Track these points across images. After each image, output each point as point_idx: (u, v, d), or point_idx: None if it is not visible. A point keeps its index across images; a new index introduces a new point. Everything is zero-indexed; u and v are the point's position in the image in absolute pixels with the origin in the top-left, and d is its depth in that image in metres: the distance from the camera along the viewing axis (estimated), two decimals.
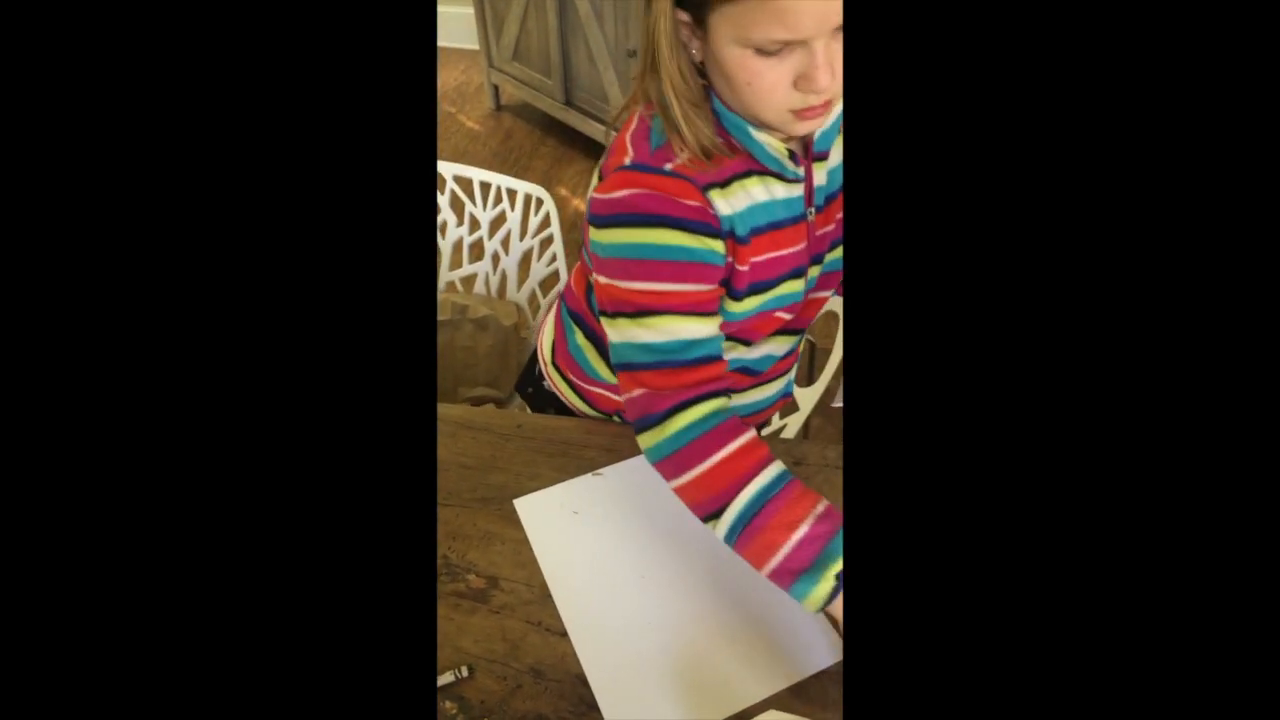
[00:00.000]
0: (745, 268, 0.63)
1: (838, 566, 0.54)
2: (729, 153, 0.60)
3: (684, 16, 0.54)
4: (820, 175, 0.66)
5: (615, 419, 0.81)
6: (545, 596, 0.61)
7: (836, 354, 1.30)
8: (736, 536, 0.56)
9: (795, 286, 0.68)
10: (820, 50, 0.51)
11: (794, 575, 0.54)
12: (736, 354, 0.72)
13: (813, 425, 1.76)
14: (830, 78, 0.53)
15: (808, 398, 1.31)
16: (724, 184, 0.60)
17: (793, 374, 0.86)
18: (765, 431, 1.02)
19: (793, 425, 1.25)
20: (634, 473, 0.71)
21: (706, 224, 0.60)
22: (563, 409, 0.84)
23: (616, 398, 0.81)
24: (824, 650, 0.58)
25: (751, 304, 0.66)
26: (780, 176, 0.62)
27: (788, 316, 0.70)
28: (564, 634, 0.59)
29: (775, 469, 0.58)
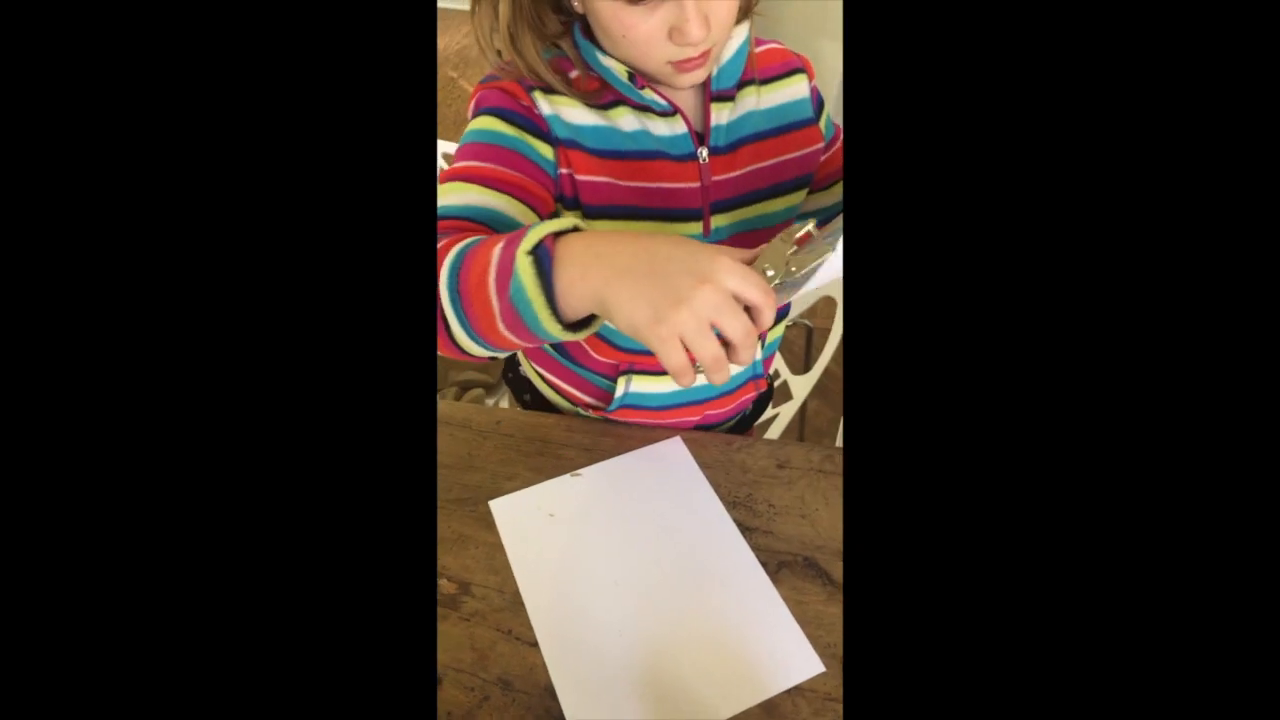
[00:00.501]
0: (590, 179, 0.62)
1: (535, 235, 0.45)
2: (572, 89, 0.60)
3: None
4: (721, 114, 0.64)
5: (584, 414, 0.80)
6: (517, 603, 0.60)
7: (835, 335, 1.27)
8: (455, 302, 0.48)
9: (681, 228, 0.65)
10: (690, 1, 0.51)
11: (505, 288, 0.45)
12: None
13: (809, 409, 1.74)
14: (703, 28, 0.53)
15: (803, 385, 1.29)
16: (549, 90, 0.61)
17: (756, 354, 0.82)
18: (758, 421, 0.99)
19: (785, 414, 1.24)
20: (613, 475, 0.69)
21: (531, 121, 0.61)
22: (537, 397, 0.83)
23: (577, 392, 0.79)
24: (798, 666, 0.56)
25: (608, 227, 0.63)
26: (652, 110, 0.62)
27: None
28: (534, 644, 0.58)
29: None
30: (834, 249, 0.48)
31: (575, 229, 0.47)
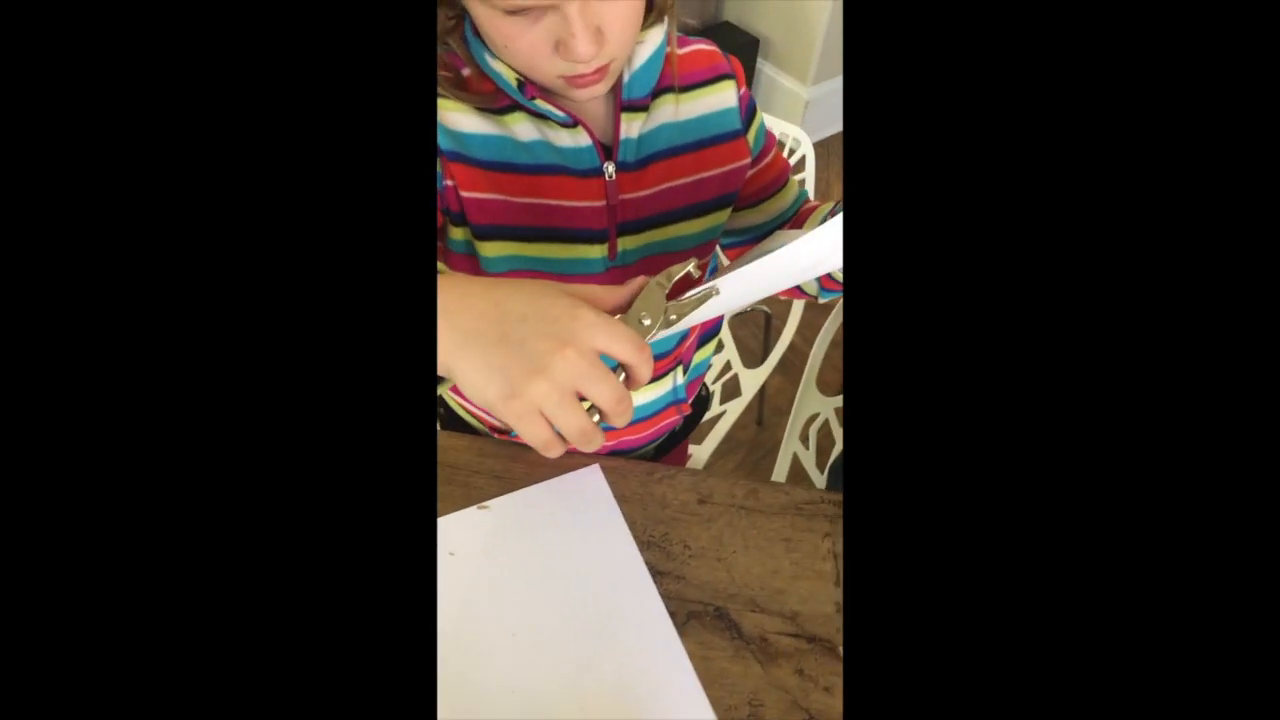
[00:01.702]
0: (475, 195, 0.57)
1: None
2: (465, 93, 0.54)
3: None
4: (631, 126, 0.58)
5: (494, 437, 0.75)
6: None
7: (795, 314, 1.23)
8: None
9: (583, 251, 0.60)
10: (575, 14, 0.45)
11: None
12: None
13: (770, 388, 1.71)
14: (592, 44, 0.46)
15: (755, 379, 1.25)
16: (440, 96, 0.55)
17: (678, 381, 0.76)
18: (706, 416, 0.95)
19: (733, 412, 1.20)
20: (522, 508, 0.65)
21: None
22: (451, 414, 0.78)
23: (482, 413, 0.75)
24: None
25: (500, 249, 0.59)
26: (557, 123, 0.56)
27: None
28: None
29: None
30: (724, 288, 0.44)
31: None
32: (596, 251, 0.61)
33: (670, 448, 0.83)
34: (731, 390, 1.22)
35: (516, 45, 0.48)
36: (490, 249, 0.59)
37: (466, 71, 0.55)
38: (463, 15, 0.53)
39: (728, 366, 1.28)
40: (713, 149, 0.63)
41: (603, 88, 0.53)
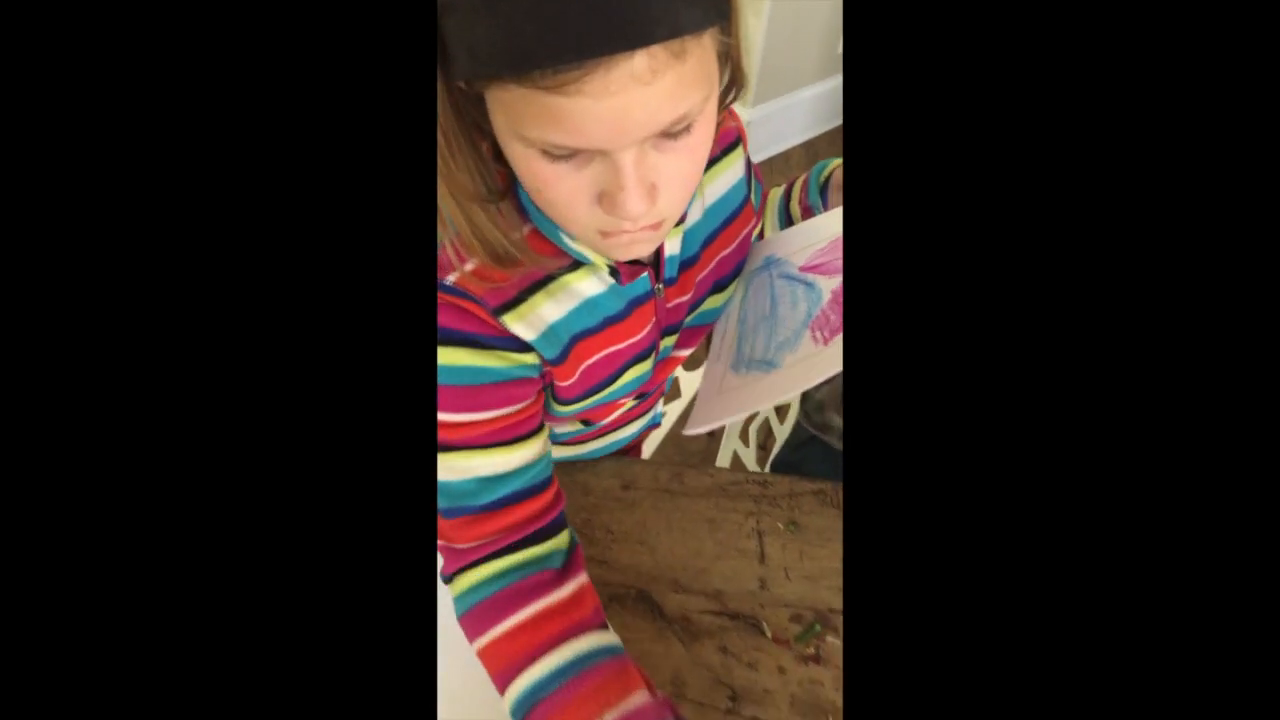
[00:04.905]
0: (569, 382, 0.52)
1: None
2: (535, 254, 0.46)
3: (464, 85, 0.37)
4: (673, 244, 0.53)
5: None
6: None
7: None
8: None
9: (642, 369, 0.58)
10: (628, 164, 0.36)
11: None
12: (572, 429, 0.65)
13: None
14: (643, 202, 0.38)
15: (694, 381, 1.25)
16: (517, 301, 0.47)
17: (656, 410, 0.77)
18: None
19: (673, 413, 1.19)
20: None
21: (505, 338, 0.47)
22: None
23: None
24: None
25: (585, 404, 0.56)
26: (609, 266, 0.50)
27: (633, 403, 0.62)
28: None
29: (585, 644, 0.47)
30: None
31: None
32: (648, 365, 0.58)
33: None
34: (671, 393, 1.22)
35: (553, 192, 0.39)
36: (566, 409, 0.56)
37: (528, 229, 0.47)
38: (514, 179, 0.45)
39: None
40: (731, 227, 0.60)
41: (644, 249, 0.44)
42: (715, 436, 1.32)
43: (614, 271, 0.49)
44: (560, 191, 0.39)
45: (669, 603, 0.59)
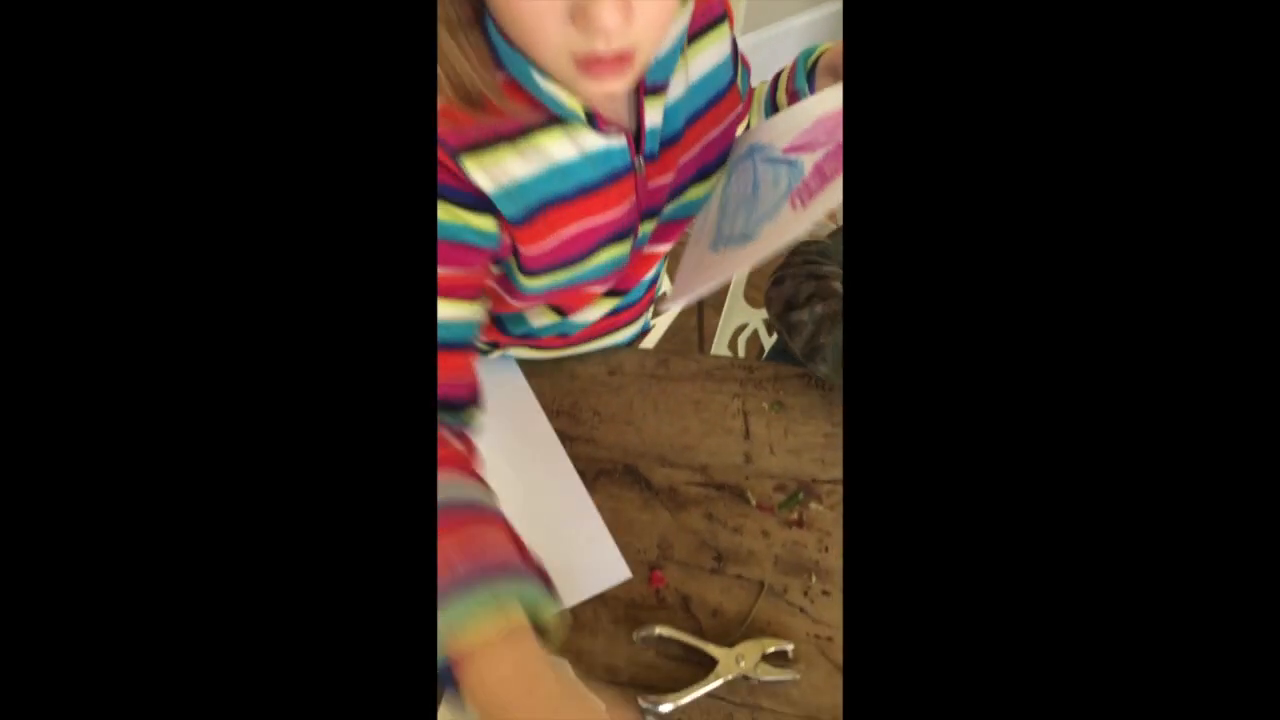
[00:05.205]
0: (536, 250, 0.51)
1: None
2: (509, 100, 0.44)
3: None
4: (654, 114, 0.51)
5: None
6: None
7: (728, 324, 1.20)
8: None
9: (617, 251, 0.56)
10: None
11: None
12: (547, 320, 0.64)
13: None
14: (618, 14, 0.37)
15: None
16: (480, 146, 0.46)
17: (645, 318, 0.76)
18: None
19: (662, 325, 1.20)
20: None
21: (460, 191, 0.46)
22: None
23: None
24: (602, 573, 0.54)
25: (554, 279, 0.55)
26: (586, 125, 0.48)
27: (604, 288, 0.61)
28: None
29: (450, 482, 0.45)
30: None
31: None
32: (625, 248, 0.57)
33: None
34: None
35: (522, 8, 0.38)
36: (533, 283, 0.55)
37: (497, 77, 0.45)
38: (483, 8, 0.43)
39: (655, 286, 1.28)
40: (714, 109, 0.58)
41: (621, 84, 0.42)
42: (703, 345, 1.32)
43: (591, 119, 0.47)
44: (531, 6, 0.38)
45: (656, 475, 0.60)
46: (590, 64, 0.40)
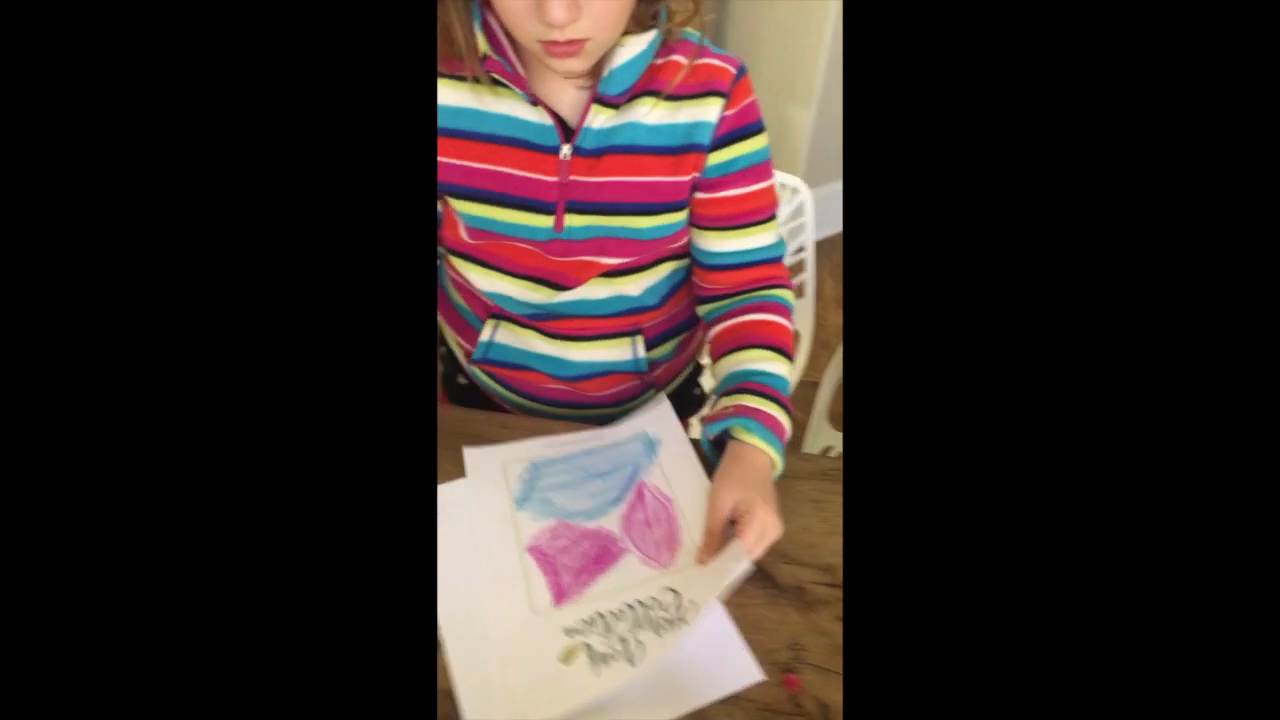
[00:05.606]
0: (444, 159, 0.63)
1: None
2: (479, 65, 0.58)
3: None
4: (598, 118, 0.61)
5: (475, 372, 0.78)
6: None
7: (814, 445, 1.19)
8: None
9: (531, 219, 0.64)
10: None
11: None
12: (525, 291, 0.70)
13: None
14: (567, 11, 0.48)
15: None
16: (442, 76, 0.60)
17: (635, 349, 0.75)
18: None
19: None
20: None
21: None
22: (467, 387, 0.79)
23: (455, 334, 0.79)
24: (734, 675, 0.50)
25: (466, 208, 0.65)
26: (522, 99, 0.60)
27: (528, 247, 0.67)
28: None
29: None
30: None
31: None
32: (543, 221, 0.64)
33: (684, 408, 0.83)
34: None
35: (501, 2, 0.51)
36: (461, 206, 0.65)
37: (480, 56, 0.58)
38: None
39: None
40: (670, 157, 0.64)
41: (578, 65, 0.55)
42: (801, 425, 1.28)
43: (529, 99, 0.59)
44: (507, 3, 0.51)
45: (780, 573, 0.57)
46: (549, 46, 0.52)
